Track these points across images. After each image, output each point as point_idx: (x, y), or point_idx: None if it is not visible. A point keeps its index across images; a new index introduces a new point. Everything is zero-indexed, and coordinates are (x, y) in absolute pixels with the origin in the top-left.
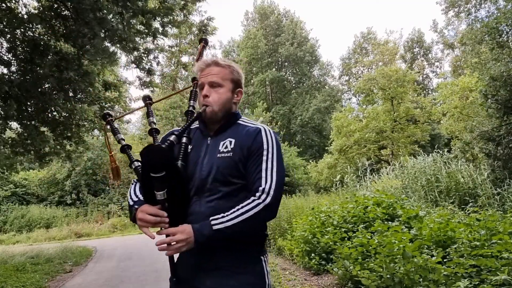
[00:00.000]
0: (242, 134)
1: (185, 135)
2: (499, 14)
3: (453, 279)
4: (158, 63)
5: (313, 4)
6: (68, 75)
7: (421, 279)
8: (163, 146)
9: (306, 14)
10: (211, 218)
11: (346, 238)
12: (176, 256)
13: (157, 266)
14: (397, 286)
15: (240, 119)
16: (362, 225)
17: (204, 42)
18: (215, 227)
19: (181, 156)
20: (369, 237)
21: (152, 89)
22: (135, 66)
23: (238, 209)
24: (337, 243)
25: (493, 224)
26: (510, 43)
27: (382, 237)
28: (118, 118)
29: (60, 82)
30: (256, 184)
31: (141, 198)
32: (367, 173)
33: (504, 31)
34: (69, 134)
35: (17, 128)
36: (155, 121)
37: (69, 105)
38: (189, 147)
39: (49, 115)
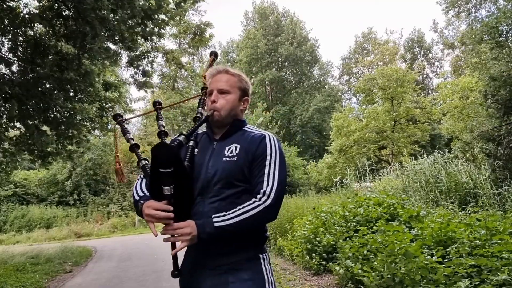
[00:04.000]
0: (247, 140)
1: (192, 138)
2: (499, 14)
3: (453, 279)
4: (152, 65)
5: (313, 4)
6: (69, 75)
7: (422, 279)
8: (172, 144)
9: (306, 14)
10: (213, 216)
11: (348, 238)
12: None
13: (157, 266)
14: (397, 286)
15: (246, 127)
16: (365, 225)
17: (214, 55)
18: (216, 224)
19: (187, 157)
20: (371, 237)
21: (145, 89)
22: (128, 65)
23: (239, 209)
24: (340, 243)
25: (494, 224)
26: (510, 43)
27: (385, 236)
28: (128, 119)
29: (61, 82)
30: (258, 186)
31: (147, 194)
32: (367, 173)
33: (504, 31)
34: (70, 134)
35: (19, 128)
36: (163, 124)
37: (69, 105)
38: (196, 150)
39: (51, 115)
